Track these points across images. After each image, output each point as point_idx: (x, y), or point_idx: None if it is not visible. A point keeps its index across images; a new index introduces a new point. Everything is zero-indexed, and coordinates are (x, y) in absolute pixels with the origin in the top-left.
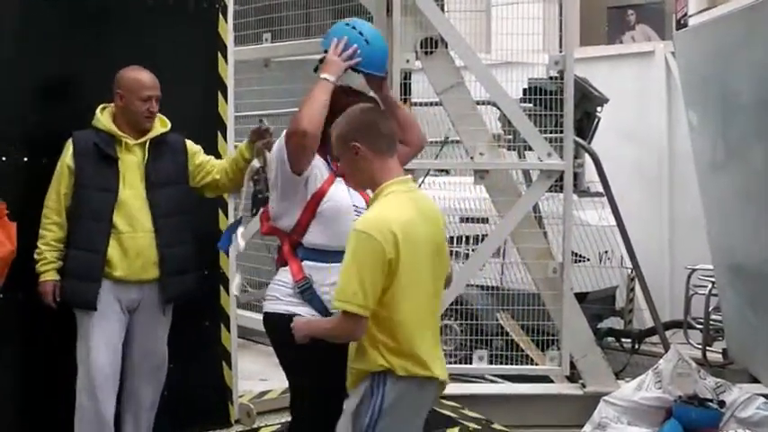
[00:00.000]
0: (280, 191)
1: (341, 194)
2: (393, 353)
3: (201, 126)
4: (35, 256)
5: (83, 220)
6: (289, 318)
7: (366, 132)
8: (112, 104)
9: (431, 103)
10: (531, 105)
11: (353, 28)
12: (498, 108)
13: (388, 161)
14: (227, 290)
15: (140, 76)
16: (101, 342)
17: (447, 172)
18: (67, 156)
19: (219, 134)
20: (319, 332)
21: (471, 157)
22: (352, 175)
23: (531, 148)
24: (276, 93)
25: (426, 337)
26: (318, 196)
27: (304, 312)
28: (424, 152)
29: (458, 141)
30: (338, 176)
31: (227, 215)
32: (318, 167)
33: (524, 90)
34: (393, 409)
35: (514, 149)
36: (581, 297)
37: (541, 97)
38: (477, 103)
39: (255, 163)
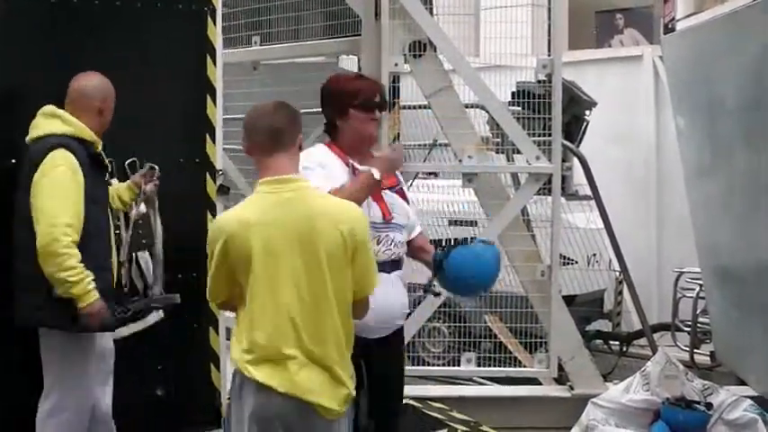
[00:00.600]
0: None
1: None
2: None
3: (189, 128)
4: (71, 277)
5: (91, 237)
6: None
7: (248, 131)
8: (63, 110)
9: (419, 106)
10: (519, 109)
11: (480, 254)
12: (487, 111)
13: (267, 159)
14: None
15: (111, 86)
16: (99, 378)
17: (435, 175)
18: (77, 168)
19: (208, 136)
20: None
21: (460, 160)
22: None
23: (519, 152)
24: (264, 95)
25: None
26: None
27: None
28: (412, 155)
29: (446, 144)
30: None
31: (214, 215)
32: (335, 173)
33: (513, 93)
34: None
35: (503, 152)
36: (569, 300)
37: (530, 101)
38: (466, 106)
39: (142, 208)
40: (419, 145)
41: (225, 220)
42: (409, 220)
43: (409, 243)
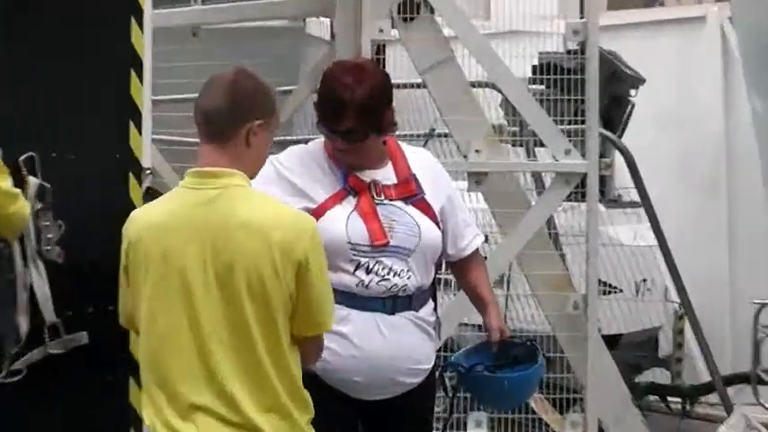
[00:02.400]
0: None
1: (337, 224)
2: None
3: (107, 113)
4: None
5: None
6: None
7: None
8: None
9: (411, 85)
10: (542, 88)
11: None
12: (500, 91)
13: (201, 146)
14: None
15: None
16: None
17: None
18: None
19: (132, 124)
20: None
21: (465, 156)
22: None
23: (543, 144)
24: (208, 70)
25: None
26: (314, 214)
27: None
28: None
29: (446, 135)
30: (351, 193)
31: None
32: (320, 177)
33: (534, 68)
34: None
35: (521, 145)
36: (612, 341)
37: (557, 77)
38: (473, 84)
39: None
40: (411, 135)
41: (130, 220)
42: (423, 240)
43: (456, 267)
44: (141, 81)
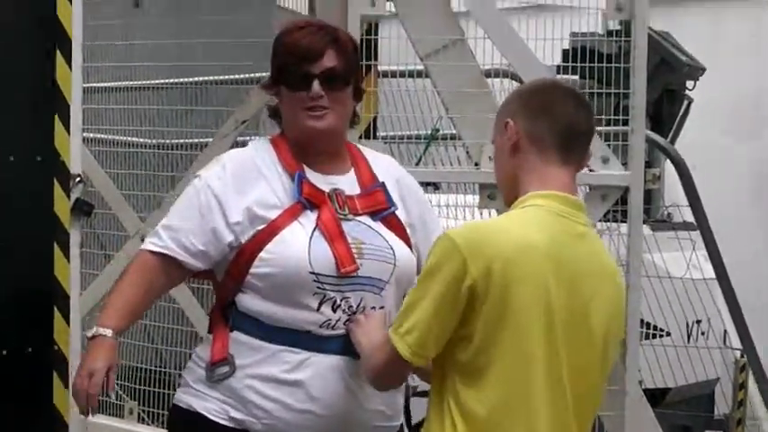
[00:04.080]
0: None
1: (295, 247)
2: None
3: (27, 106)
4: None
5: None
6: (193, 416)
7: (530, 109)
8: None
9: (410, 74)
10: (575, 78)
11: None
12: (521, 83)
13: (552, 167)
14: (65, 380)
15: None
16: None
17: (436, 186)
18: None
19: (57, 118)
20: (361, 344)
21: (476, 164)
22: (495, 166)
23: None
24: (156, 50)
25: None
26: (263, 237)
27: (214, 411)
28: (399, 156)
29: (453, 137)
30: (307, 207)
31: (65, 248)
32: (269, 187)
33: (565, 53)
34: None
35: None
36: (657, 396)
37: (593, 65)
38: (487, 74)
39: None
40: (408, 137)
41: (486, 237)
42: (398, 268)
43: None
44: (70, 64)
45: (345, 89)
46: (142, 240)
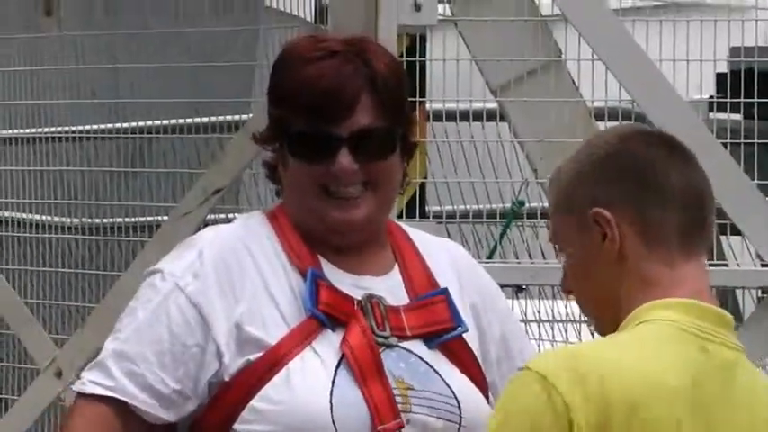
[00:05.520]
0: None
1: (312, 385)
2: None
3: None
4: None
5: None
6: None
7: (630, 187)
8: None
9: (475, 116)
10: (737, 118)
11: None
12: (649, 124)
13: (678, 262)
14: None
15: None
16: None
17: (520, 289)
18: None
19: None
20: None
21: None
22: (574, 282)
23: (736, 232)
24: (74, 80)
25: None
26: (258, 373)
27: None
28: (461, 243)
29: (545, 215)
30: (327, 324)
31: None
32: (274, 290)
33: (721, 78)
34: None
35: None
36: None
37: (761, 100)
38: (597, 115)
39: None
40: (474, 214)
41: (597, 368)
42: (465, 428)
43: None
44: None
45: (391, 156)
46: (58, 377)
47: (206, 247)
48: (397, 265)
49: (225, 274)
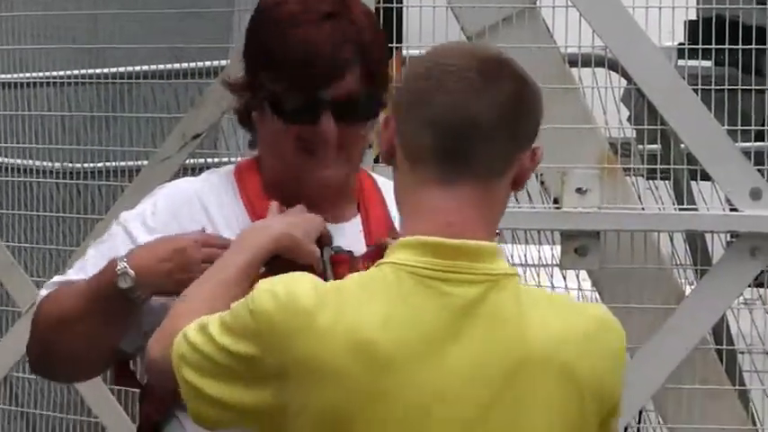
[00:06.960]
0: None
1: None
2: None
3: None
4: None
5: None
6: None
7: (405, 99)
8: None
9: None
10: (707, 65)
11: None
12: (625, 76)
13: (433, 187)
14: None
15: None
16: None
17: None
18: None
19: None
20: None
21: (555, 201)
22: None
23: (707, 178)
24: (50, 25)
25: None
26: None
27: None
28: None
29: None
30: None
31: None
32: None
33: (690, 26)
34: None
35: (666, 179)
36: None
37: (734, 47)
38: (571, 61)
39: None
40: None
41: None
42: None
43: None
44: None
45: (368, 122)
46: None
47: (161, 198)
48: (358, 209)
49: (175, 224)
